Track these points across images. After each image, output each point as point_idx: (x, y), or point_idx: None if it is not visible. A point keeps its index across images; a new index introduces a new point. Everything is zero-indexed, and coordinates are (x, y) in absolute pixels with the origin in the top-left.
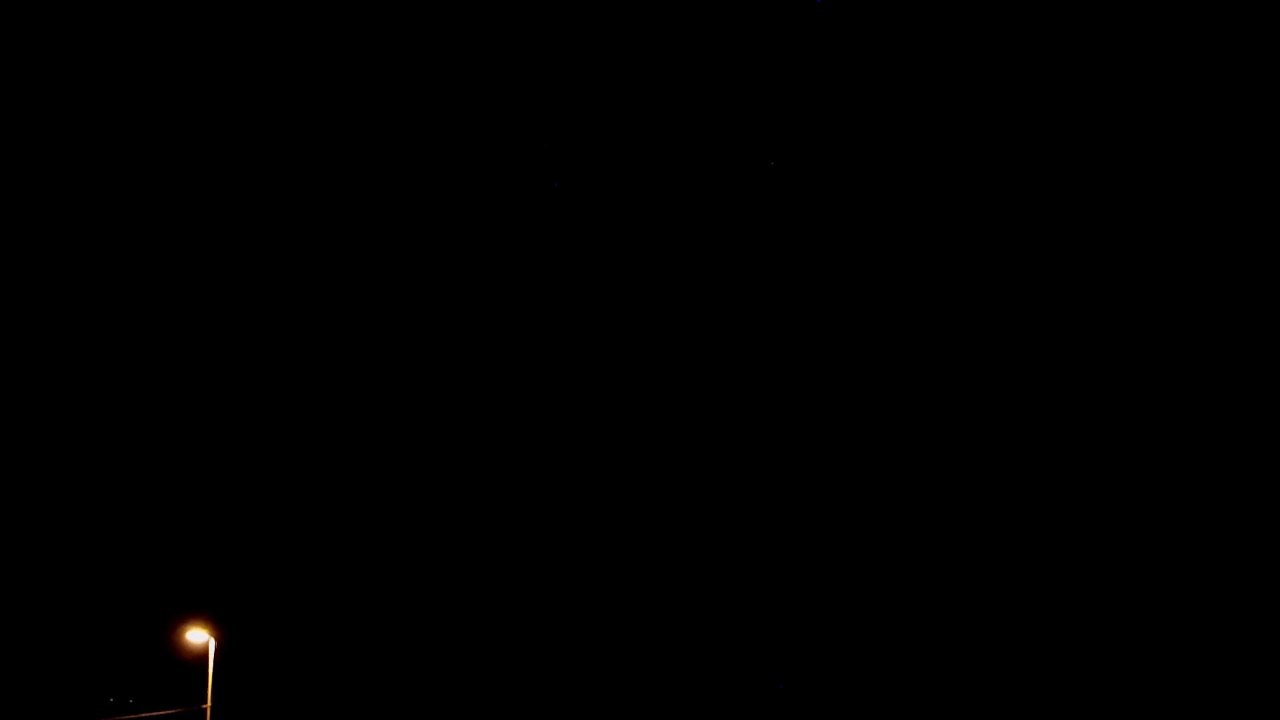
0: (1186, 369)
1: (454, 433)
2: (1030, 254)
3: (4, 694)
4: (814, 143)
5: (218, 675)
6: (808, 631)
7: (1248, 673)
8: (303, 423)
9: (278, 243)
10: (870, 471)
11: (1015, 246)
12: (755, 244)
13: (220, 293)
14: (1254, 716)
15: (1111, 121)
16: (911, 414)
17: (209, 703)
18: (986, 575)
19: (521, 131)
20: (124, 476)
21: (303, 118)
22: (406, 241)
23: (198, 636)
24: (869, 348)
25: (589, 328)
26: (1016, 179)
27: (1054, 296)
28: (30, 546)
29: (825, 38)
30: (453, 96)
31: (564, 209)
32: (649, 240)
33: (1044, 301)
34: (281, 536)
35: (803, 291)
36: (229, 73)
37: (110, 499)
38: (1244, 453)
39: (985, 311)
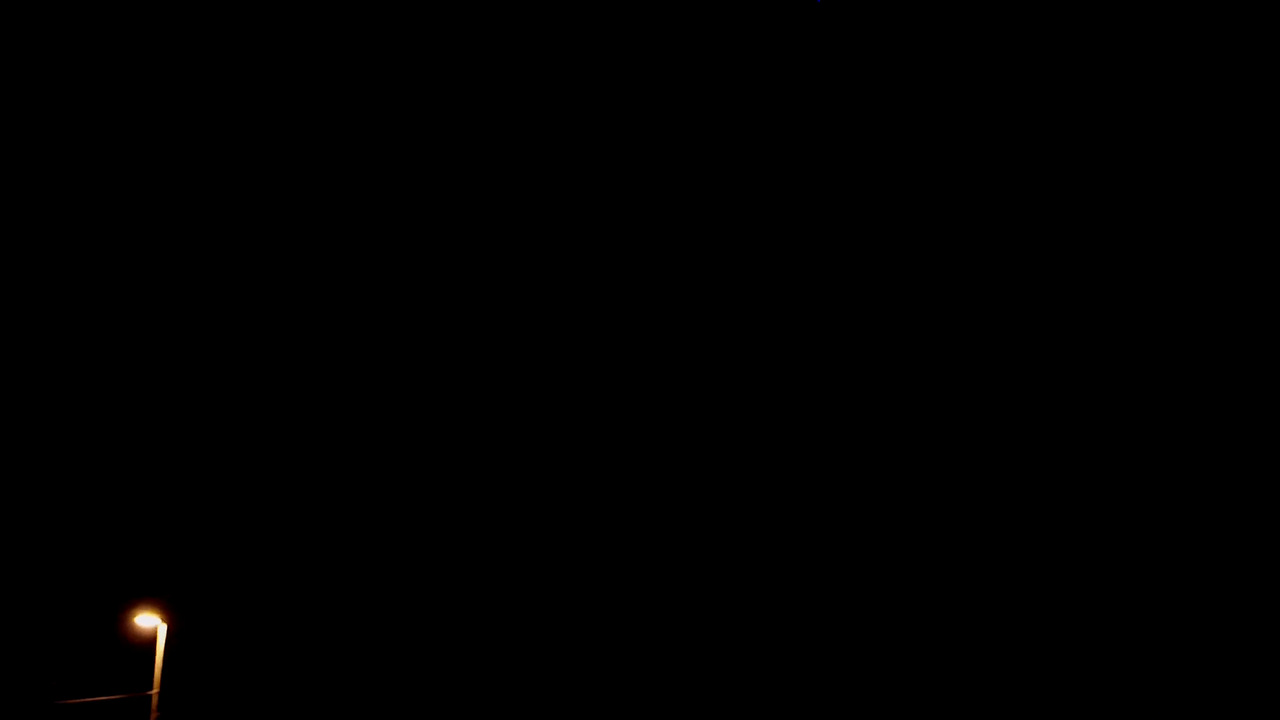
0: (1186, 368)
1: (415, 419)
2: (1028, 253)
3: None
4: (813, 142)
5: (167, 661)
6: (808, 631)
7: (1248, 672)
8: (257, 409)
9: (237, 232)
10: (867, 470)
11: (1014, 246)
12: (755, 243)
13: (184, 280)
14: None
15: (1111, 121)
16: (910, 413)
17: (155, 689)
18: (985, 574)
19: (521, 131)
20: (78, 461)
21: (301, 117)
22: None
23: (148, 621)
24: (868, 346)
25: (588, 327)
26: (1016, 179)
27: (1053, 296)
28: None
29: (825, 38)
30: (453, 96)
31: (563, 208)
32: (649, 239)
33: (1043, 301)
34: (237, 522)
35: (802, 291)
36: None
37: (63, 483)
38: (1244, 452)
39: (985, 310)
